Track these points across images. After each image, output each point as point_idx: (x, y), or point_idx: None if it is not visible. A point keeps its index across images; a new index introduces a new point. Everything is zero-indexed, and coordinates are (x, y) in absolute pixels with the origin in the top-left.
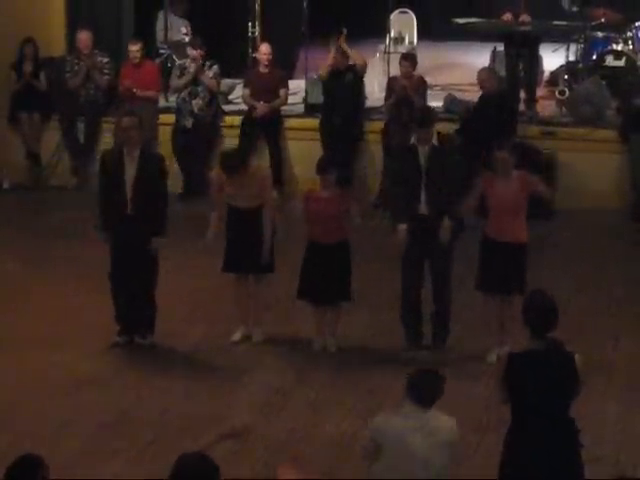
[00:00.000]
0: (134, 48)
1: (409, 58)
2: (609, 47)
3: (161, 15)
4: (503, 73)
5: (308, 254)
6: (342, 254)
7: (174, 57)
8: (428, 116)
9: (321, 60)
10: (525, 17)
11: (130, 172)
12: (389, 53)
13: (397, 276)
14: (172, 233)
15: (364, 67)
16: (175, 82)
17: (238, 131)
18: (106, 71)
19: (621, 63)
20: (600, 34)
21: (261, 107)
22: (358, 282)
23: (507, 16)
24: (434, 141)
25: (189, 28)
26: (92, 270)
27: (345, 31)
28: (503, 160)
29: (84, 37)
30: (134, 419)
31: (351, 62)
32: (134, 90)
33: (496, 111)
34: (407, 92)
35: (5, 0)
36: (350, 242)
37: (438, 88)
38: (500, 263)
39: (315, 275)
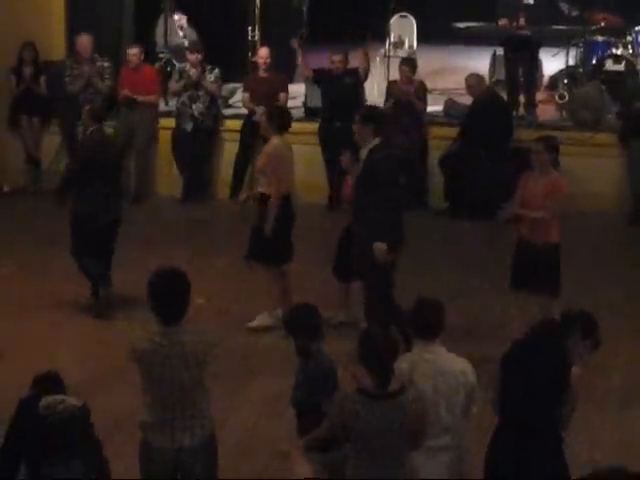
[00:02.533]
0: (133, 52)
1: (409, 62)
2: (609, 51)
3: (161, 19)
4: (503, 77)
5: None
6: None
7: (174, 61)
8: (370, 113)
9: (321, 63)
10: (523, 21)
11: None
12: (389, 57)
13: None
14: (172, 236)
15: (367, 71)
16: (174, 86)
17: (238, 135)
18: (106, 76)
19: (621, 67)
20: (600, 38)
21: (261, 111)
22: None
23: (504, 21)
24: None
25: (190, 31)
26: None
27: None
28: (536, 155)
29: (84, 41)
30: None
31: (350, 65)
32: (134, 97)
33: (490, 115)
34: (408, 97)
35: (5, 4)
36: None
37: (438, 92)
38: (527, 261)
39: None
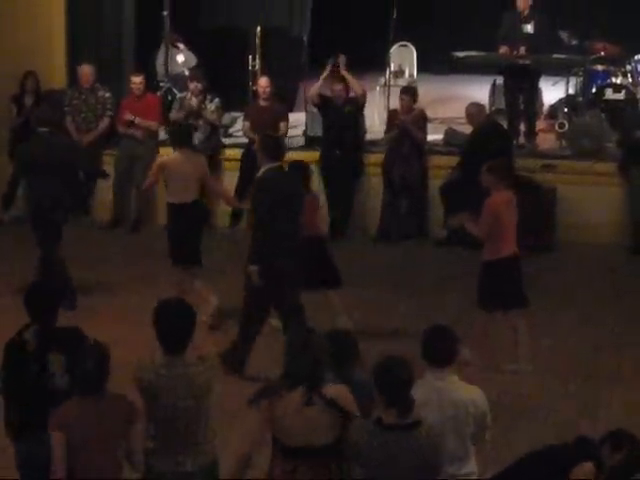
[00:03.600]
0: (137, 80)
1: (409, 92)
2: (608, 80)
3: (161, 48)
4: (503, 106)
5: None
6: None
7: (174, 90)
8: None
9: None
10: (523, 50)
11: None
12: (389, 86)
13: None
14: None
15: (364, 97)
16: (175, 115)
17: (238, 164)
18: (108, 106)
19: (621, 96)
20: (599, 67)
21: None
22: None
23: (504, 49)
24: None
25: (190, 59)
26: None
27: (343, 58)
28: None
29: (86, 71)
30: None
31: (351, 94)
32: (133, 119)
33: (489, 144)
34: (407, 126)
35: (6, 32)
36: None
37: (438, 121)
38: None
39: None
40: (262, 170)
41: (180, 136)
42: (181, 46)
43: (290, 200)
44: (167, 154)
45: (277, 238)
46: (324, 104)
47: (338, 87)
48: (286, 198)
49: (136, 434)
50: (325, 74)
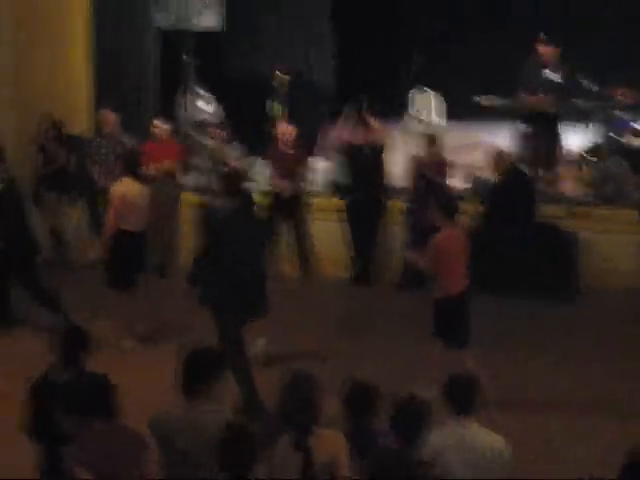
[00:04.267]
0: (160, 125)
1: (429, 138)
2: (629, 126)
3: (184, 94)
4: (525, 152)
5: None
6: None
7: (197, 137)
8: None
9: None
10: (544, 96)
11: None
12: (409, 131)
13: None
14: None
15: (386, 140)
16: (198, 162)
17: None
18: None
19: None
20: (620, 113)
21: (284, 186)
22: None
23: (524, 95)
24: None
25: (213, 106)
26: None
27: (365, 102)
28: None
29: (110, 119)
30: None
31: (370, 137)
32: (154, 167)
33: (513, 191)
34: (427, 172)
35: (28, 78)
36: None
37: (460, 167)
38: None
39: None
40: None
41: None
42: (202, 92)
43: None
44: (187, 199)
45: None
46: (346, 149)
47: (360, 131)
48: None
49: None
50: (346, 118)
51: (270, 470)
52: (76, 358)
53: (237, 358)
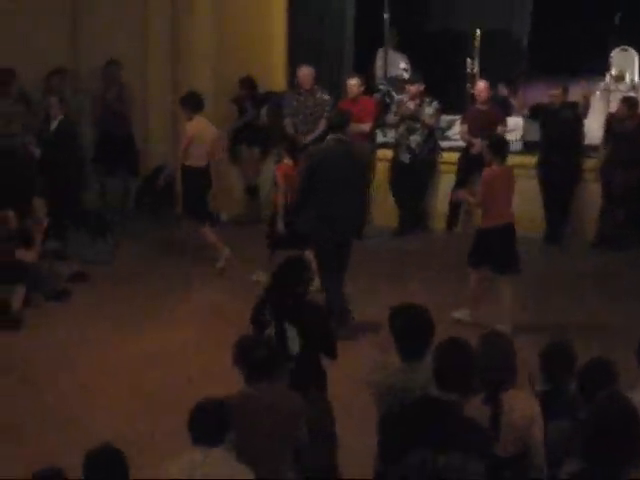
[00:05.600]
0: (353, 82)
1: (628, 101)
2: None
3: (381, 51)
4: None
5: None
6: None
7: (393, 93)
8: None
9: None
10: None
11: None
12: (609, 91)
13: None
14: (386, 267)
15: (587, 109)
16: (392, 118)
17: (455, 167)
18: (327, 108)
19: None
20: None
21: (478, 144)
22: None
23: None
24: None
25: (408, 64)
26: None
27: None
28: None
29: (305, 73)
30: None
31: (570, 99)
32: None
33: None
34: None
35: (227, 35)
36: None
37: None
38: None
39: None
40: None
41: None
42: (399, 49)
43: None
44: (383, 156)
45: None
46: (541, 110)
47: (555, 92)
48: None
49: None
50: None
51: None
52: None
53: (327, 275)
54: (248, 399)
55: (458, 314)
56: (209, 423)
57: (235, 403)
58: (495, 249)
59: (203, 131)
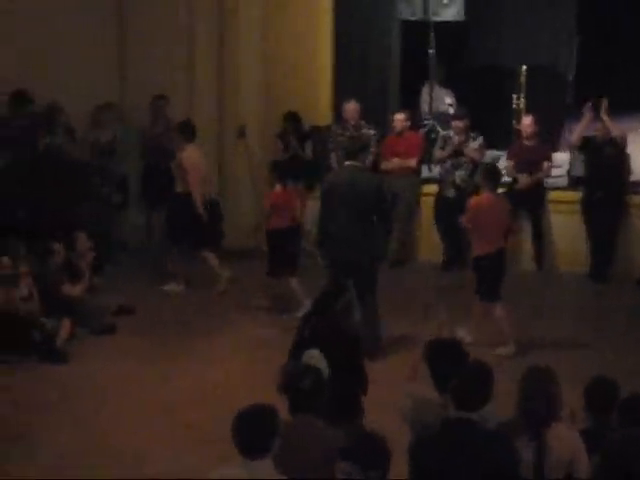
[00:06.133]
0: (399, 117)
1: None
2: None
3: (426, 86)
4: None
5: None
6: None
7: (438, 128)
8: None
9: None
10: None
11: None
12: None
13: None
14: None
15: (624, 140)
16: (438, 153)
17: None
18: (372, 143)
19: None
20: None
21: (524, 179)
22: None
23: None
24: None
25: (454, 99)
26: None
27: (605, 101)
28: None
29: (351, 108)
30: None
31: (613, 134)
32: (394, 160)
33: None
34: None
35: (274, 70)
36: None
37: None
38: None
39: None
40: None
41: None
42: (444, 84)
43: None
44: (429, 191)
45: None
46: (586, 145)
47: (599, 128)
48: None
49: None
50: (586, 118)
51: None
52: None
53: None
54: (290, 429)
55: (463, 333)
56: (257, 431)
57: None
58: (486, 276)
59: (198, 159)
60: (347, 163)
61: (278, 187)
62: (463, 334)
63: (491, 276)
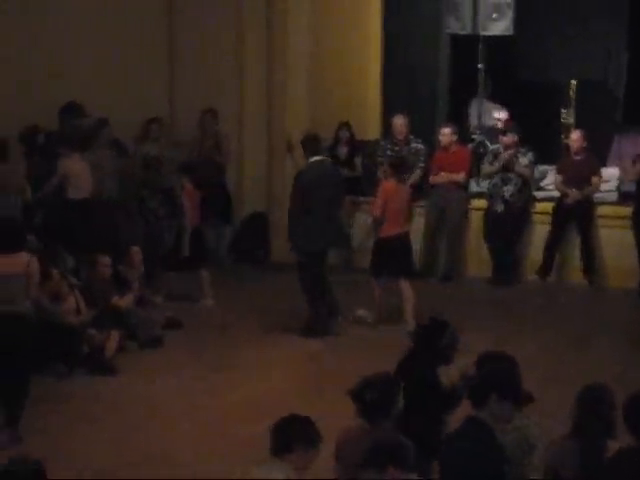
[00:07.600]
0: (446, 132)
1: None
2: None
3: (475, 101)
4: None
5: None
6: None
7: (487, 142)
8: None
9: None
10: None
11: None
12: None
13: None
14: (480, 316)
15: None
16: (487, 168)
17: (549, 218)
18: (421, 158)
19: None
20: None
21: (573, 194)
22: None
23: None
24: None
25: (506, 114)
26: None
27: None
28: None
29: (400, 122)
30: None
31: None
32: (442, 174)
33: None
34: None
35: (325, 85)
36: None
37: None
38: None
39: None
40: None
41: None
42: (493, 98)
43: None
44: (477, 205)
45: None
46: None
47: None
48: None
49: None
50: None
51: None
52: None
53: (313, 289)
54: (353, 433)
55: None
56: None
57: (342, 436)
58: (393, 256)
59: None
60: (315, 158)
61: None
62: (364, 314)
63: (399, 254)
